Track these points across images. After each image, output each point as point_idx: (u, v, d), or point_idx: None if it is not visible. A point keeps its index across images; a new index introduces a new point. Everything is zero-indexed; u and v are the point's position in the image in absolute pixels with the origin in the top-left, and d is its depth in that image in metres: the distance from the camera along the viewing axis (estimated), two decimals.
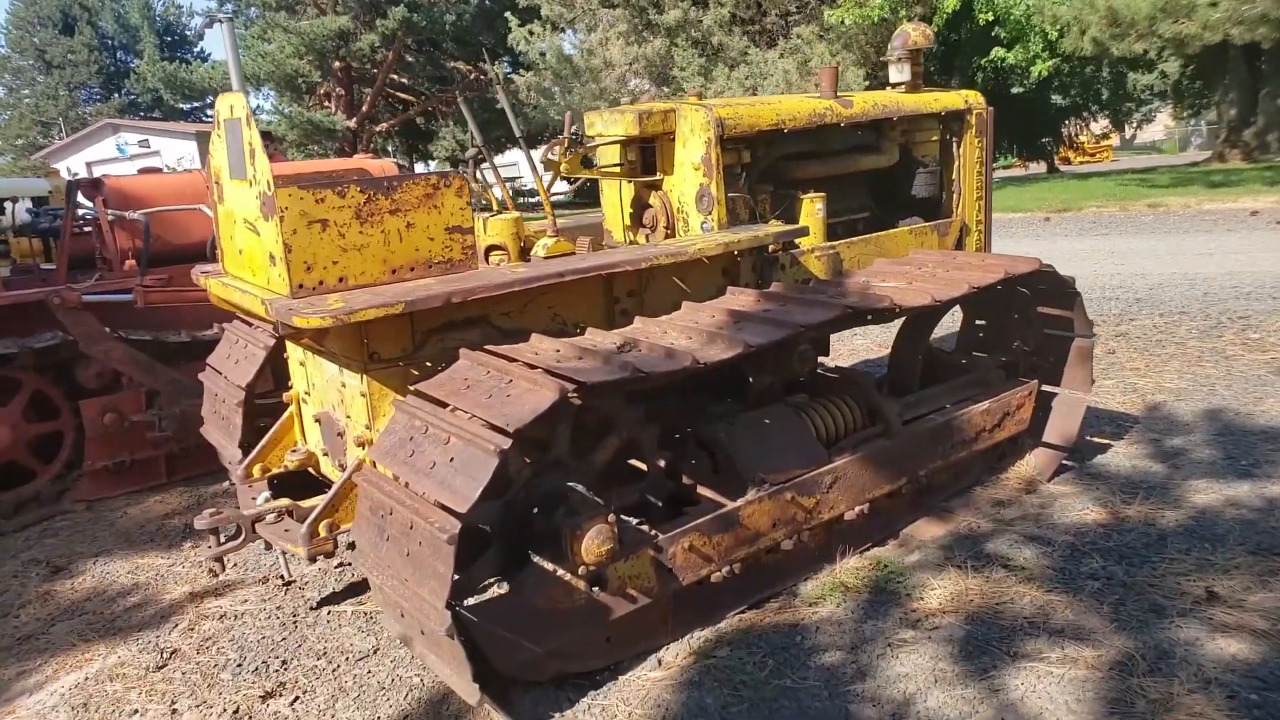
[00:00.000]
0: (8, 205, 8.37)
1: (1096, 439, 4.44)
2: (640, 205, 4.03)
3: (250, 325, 3.95)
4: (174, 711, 2.87)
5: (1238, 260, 9.15)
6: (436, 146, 30.27)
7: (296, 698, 2.87)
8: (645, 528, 2.95)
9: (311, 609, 3.45)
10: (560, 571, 2.71)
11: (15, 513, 4.75)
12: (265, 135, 2.78)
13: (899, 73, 4.59)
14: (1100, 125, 39.59)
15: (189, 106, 37.77)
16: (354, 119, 26.72)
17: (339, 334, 2.77)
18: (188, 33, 47.63)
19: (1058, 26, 17.17)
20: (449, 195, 2.96)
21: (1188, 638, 2.75)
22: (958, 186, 4.70)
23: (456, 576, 2.39)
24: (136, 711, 2.89)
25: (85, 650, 3.32)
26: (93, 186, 5.42)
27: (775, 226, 3.76)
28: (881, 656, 2.78)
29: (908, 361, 3.99)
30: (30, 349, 4.62)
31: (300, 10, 25.50)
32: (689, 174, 3.78)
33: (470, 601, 2.88)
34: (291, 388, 3.68)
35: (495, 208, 3.69)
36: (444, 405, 2.64)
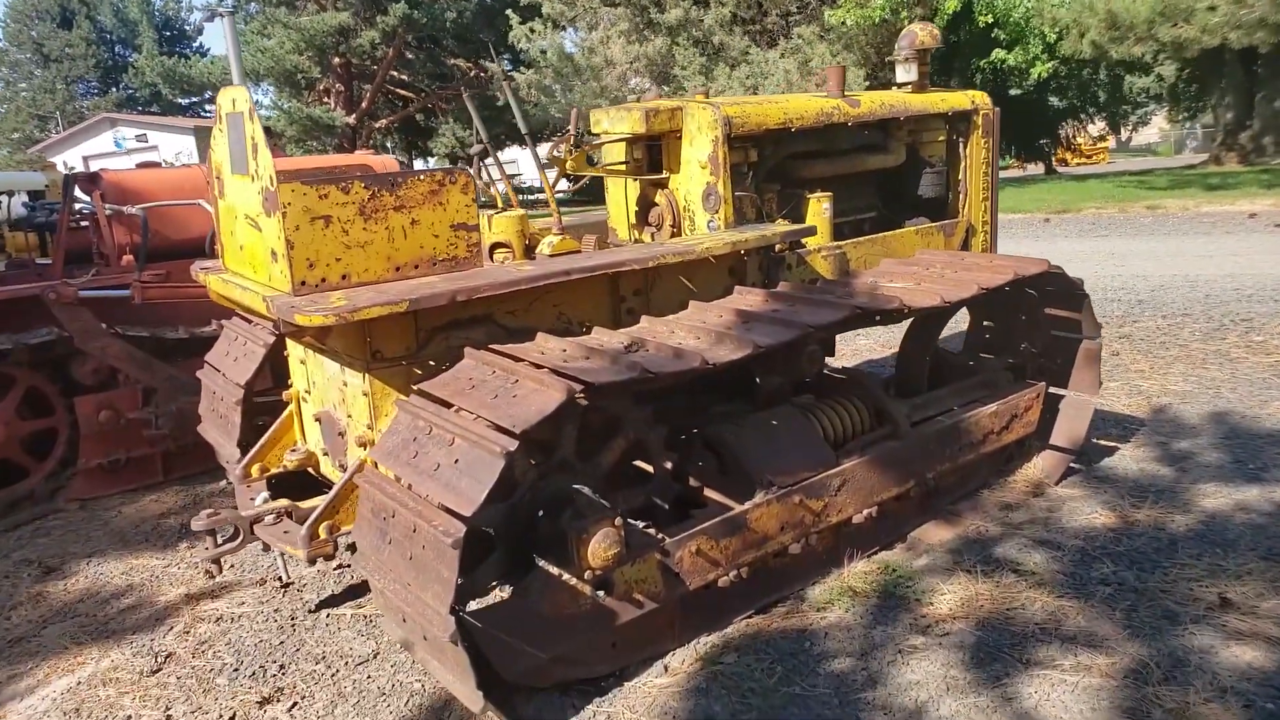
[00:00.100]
0: (3, 199, 8.29)
1: (1103, 442, 4.40)
2: (646, 203, 3.98)
3: (250, 322, 3.90)
4: (169, 718, 2.81)
5: (1237, 262, 9.14)
6: (436, 143, 30.20)
7: (295, 703, 2.81)
8: (652, 531, 2.90)
9: (310, 612, 3.39)
10: (565, 576, 2.66)
11: (8, 511, 4.69)
12: (265, 131, 2.72)
13: (906, 72, 4.55)
14: (1097, 127, 39.66)
15: (187, 101, 37.61)
16: (353, 115, 26.63)
17: (341, 332, 2.72)
18: (187, 27, 47.47)
19: (1057, 29, 17.18)
20: (454, 192, 2.91)
21: (1202, 645, 2.71)
22: (964, 187, 4.66)
23: (460, 581, 2.34)
24: (130, 717, 2.83)
25: (78, 654, 3.26)
26: (90, 180, 5.35)
27: (782, 226, 3.72)
28: (892, 663, 2.74)
29: (915, 363, 3.95)
30: (25, 345, 4.55)
31: (300, 6, 25.41)
32: (696, 172, 3.74)
33: (473, 606, 2.83)
34: (291, 386, 3.62)
35: (500, 204, 3.63)
36: (448, 405, 2.59)
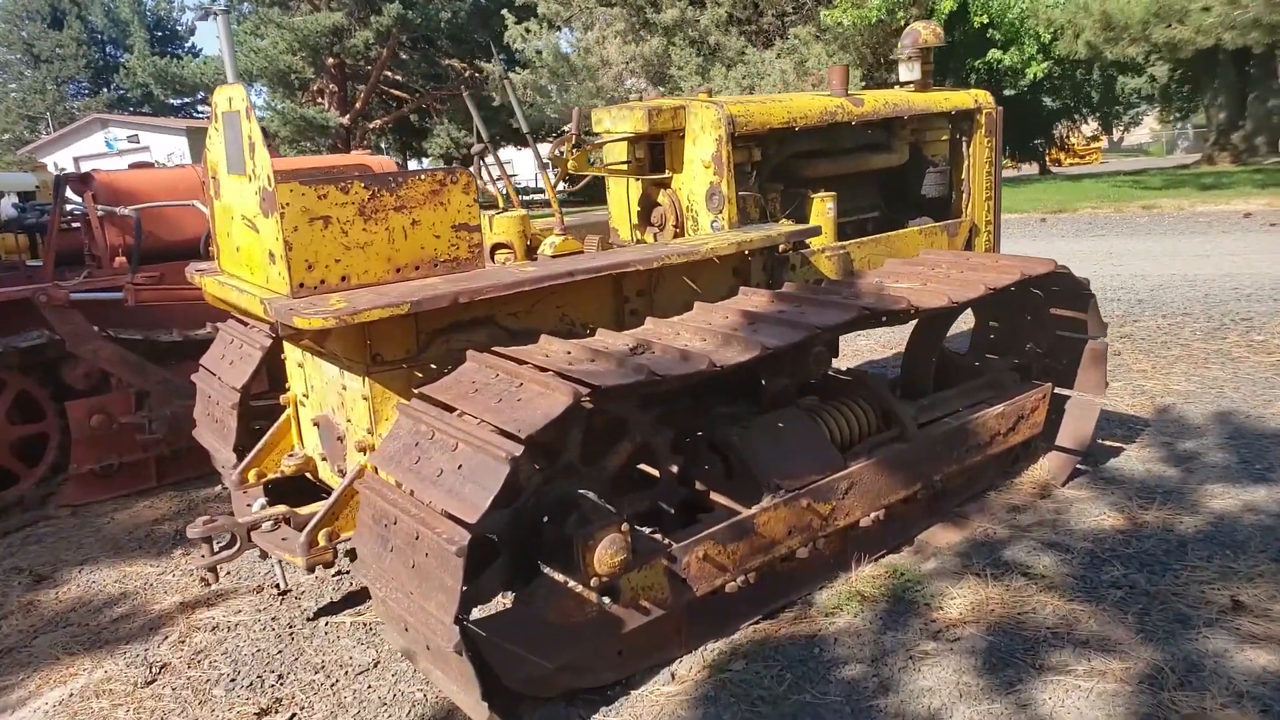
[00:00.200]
0: None
1: (1108, 442, 4.37)
2: (648, 203, 3.93)
3: (245, 325, 3.83)
4: None
5: (1234, 262, 9.14)
6: (431, 144, 30.10)
7: (294, 714, 2.75)
8: (658, 536, 2.85)
9: (309, 620, 3.33)
10: (571, 583, 2.61)
11: None
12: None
13: (909, 71, 4.51)
14: (1090, 128, 39.80)
15: (179, 102, 37.44)
16: (347, 116, 26.51)
17: (341, 335, 2.67)
18: (179, 28, 47.24)
19: (1052, 30, 17.20)
20: (455, 192, 2.85)
21: (1216, 649, 2.67)
22: (967, 186, 4.62)
23: (464, 588, 2.29)
24: None
25: (70, 664, 3.19)
26: (81, 181, 5.27)
27: (787, 226, 3.67)
28: (904, 669, 2.69)
29: (922, 364, 3.91)
30: (15, 348, 4.48)
31: (294, 6, 25.29)
32: (699, 172, 3.69)
33: (476, 614, 2.78)
34: (289, 389, 3.56)
35: (500, 204, 3.58)
36: (451, 409, 2.53)
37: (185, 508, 4.64)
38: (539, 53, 20.96)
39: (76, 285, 4.70)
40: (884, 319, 3.40)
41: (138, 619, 3.49)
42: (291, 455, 3.49)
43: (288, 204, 2.56)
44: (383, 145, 31.69)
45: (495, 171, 3.66)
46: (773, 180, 3.99)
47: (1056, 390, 4.03)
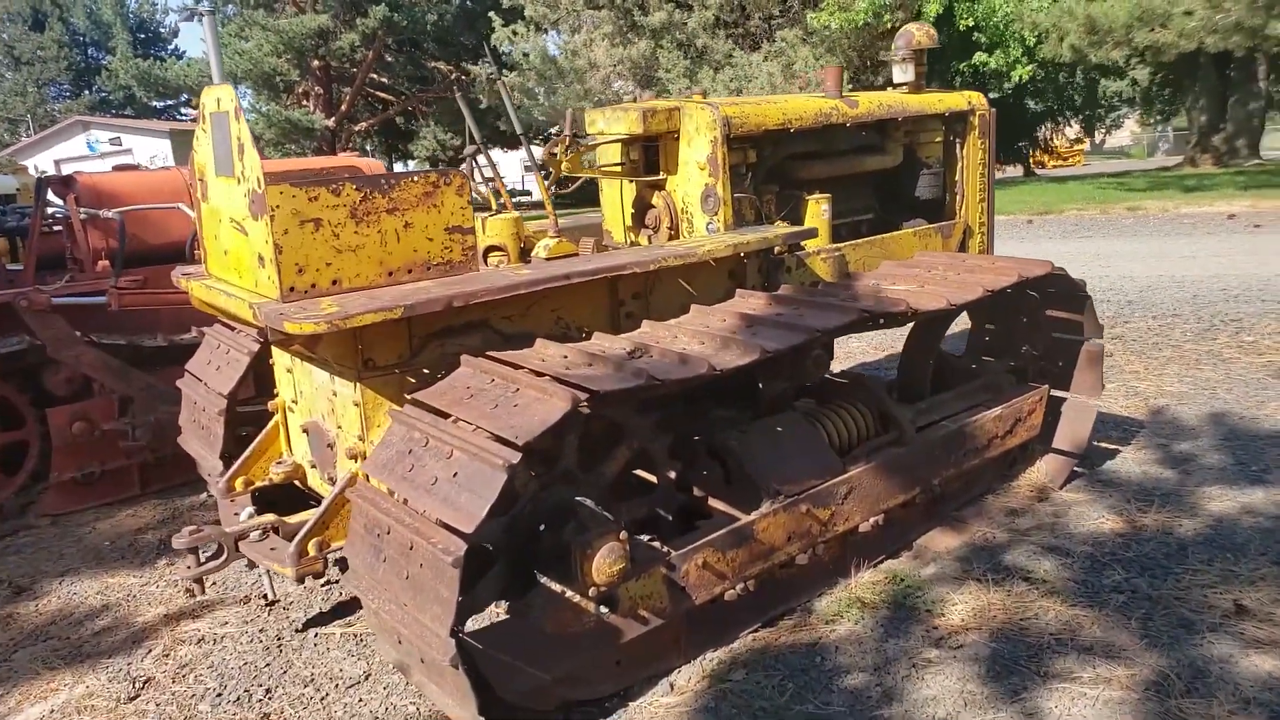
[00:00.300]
0: None
1: (1104, 444, 4.35)
2: (642, 205, 3.88)
3: (232, 329, 3.75)
4: None
5: (1220, 263, 9.19)
6: (417, 146, 29.94)
7: None
8: (656, 543, 2.80)
9: (297, 631, 3.26)
10: (568, 592, 2.55)
11: None
12: None
13: (903, 73, 4.49)
14: (1074, 130, 40.13)
15: (162, 104, 37.10)
16: (332, 118, 26.32)
17: (332, 340, 2.60)
18: (161, 30, 46.85)
19: (1037, 33, 17.29)
20: (449, 194, 2.80)
21: (1221, 654, 2.65)
22: (961, 188, 4.60)
23: (460, 599, 2.23)
24: None
25: (50, 679, 3.10)
26: (64, 184, 5.17)
27: (783, 228, 3.64)
28: (907, 678, 2.65)
29: (919, 366, 3.88)
30: None
31: (279, 8, 25.10)
32: (694, 173, 3.65)
33: (471, 625, 2.72)
34: (277, 395, 3.49)
35: (493, 206, 3.52)
36: (445, 416, 2.47)
37: (169, 516, 4.54)
38: (526, 55, 20.90)
39: (58, 289, 4.61)
40: (882, 321, 3.38)
41: (120, 632, 3.40)
42: (280, 462, 3.41)
43: (278, 206, 2.49)
44: (368, 147, 31.51)
45: (488, 173, 3.61)
46: (768, 182, 3.95)
47: (1052, 392, 4.01)
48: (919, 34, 4.43)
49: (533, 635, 2.57)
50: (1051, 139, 37.49)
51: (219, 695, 2.88)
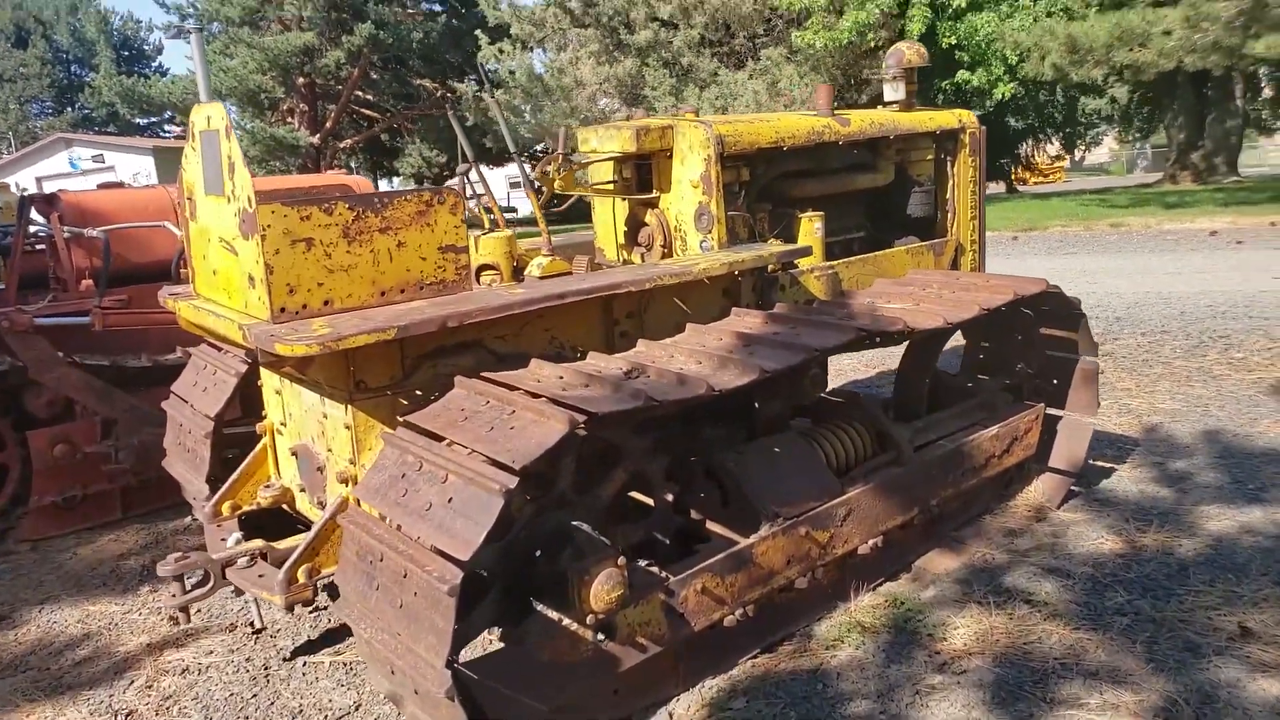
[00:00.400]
0: None
1: (1099, 463, 4.34)
2: (635, 223, 3.85)
3: (219, 350, 3.68)
4: None
5: (1205, 279, 9.27)
6: (402, 163, 29.91)
7: None
8: (654, 568, 2.75)
9: (285, 660, 3.17)
10: (565, 620, 2.49)
11: None
12: None
13: (894, 91, 4.50)
14: (1055, 147, 40.64)
15: (145, 121, 36.93)
16: (318, 135, 26.27)
17: (323, 362, 2.54)
18: (146, 47, 46.72)
19: (1019, 52, 17.50)
20: (443, 212, 2.75)
21: (1228, 679, 2.62)
22: (952, 206, 4.60)
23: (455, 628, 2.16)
24: None
25: (29, 711, 3.00)
26: (47, 202, 5.09)
27: (777, 246, 3.61)
28: (911, 705, 2.60)
29: (915, 385, 3.86)
30: None
31: (264, 26, 25.07)
32: (687, 192, 3.62)
33: (465, 654, 2.65)
34: (265, 417, 3.41)
35: (486, 225, 3.48)
36: (439, 439, 2.42)
37: (152, 541, 4.44)
38: (512, 73, 20.96)
39: (41, 309, 4.52)
40: (879, 340, 3.35)
41: (102, 662, 3.30)
42: (268, 486, 3.33)
43: (269, 226, 2.44)
44: (353, 164, 31.44)
45: (479, 188, 3.57)
46: (760, 200, 3.93)
47: (1048, 411, 3.99)
48: (910, 52, 4.45)
49: (528, 664, 2.51)
50: (1033, 156, 37.97)
51: None
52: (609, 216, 3.99)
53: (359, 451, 2.73)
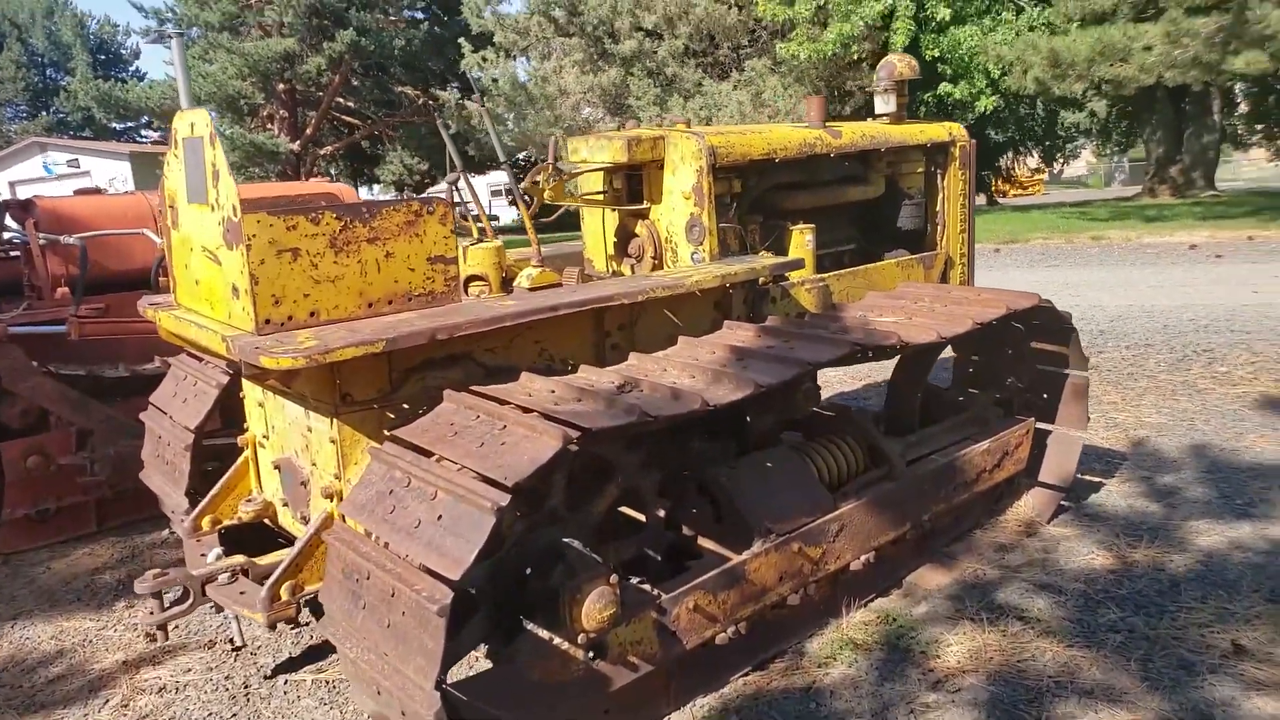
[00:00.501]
0: None
1: (1088, 477, 4.34)
2: (625, 234, 3.82)
3: (199, 360, 3.60)
4: None
5: (1187, 293, 9.36)
6: (383, 171, 29.74)
7: None
8: (645, 585, 2.70)
9: (266, 678, 3.09)
10: (556, 639, 2.44)
11: None
12: None
13: (884, 104, 4.49)
14: (1034, 160, 41.09)
15: (122, 126, 36.53)
16: (298, 142, 26.07)
17: (309, 374, 2.48)
18: (123, 51, 46.27)
19: (1001, 65, 17.69)
20: (432, 223, 2.70)
21: (1223, 697, 2.60)
22: (942, 218, 4.60)
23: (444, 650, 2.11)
24: None
25: None
26: (22, 208, 4.98)
27: (769, 258, 3.59)
28: None
29: (906, 399, 3.84)
30: None
31: (245, 32, 24.88)
32: (679, 203, 3.59)
33: (453, 674, 2.58)
34: (247, 429, 3.34)
35: (475, 235, 3.43)
36: (428, 454, 2.36)
37: (128, 555, 4.34)
38: (495, 81, 20.92)
39: (15, 318, 4.41)
40: (872, 354, 3.33)
41: (76, 680, 3.21)
42: (250, 500, 3.25)
43: (254, 235, 2.38)
44: (333, 172, 31.22)
45: (467, 196, 3.52)
46: (752, 212, 3.91)
47: (1037, 425, 3.98)
48: (901, 65, 4.45)
49: (518, 684, 2.45)
50: (1013, 168, 38.36)
51: None
52: (598, 227, 3.95)
53: (344, 466, 2.67)
